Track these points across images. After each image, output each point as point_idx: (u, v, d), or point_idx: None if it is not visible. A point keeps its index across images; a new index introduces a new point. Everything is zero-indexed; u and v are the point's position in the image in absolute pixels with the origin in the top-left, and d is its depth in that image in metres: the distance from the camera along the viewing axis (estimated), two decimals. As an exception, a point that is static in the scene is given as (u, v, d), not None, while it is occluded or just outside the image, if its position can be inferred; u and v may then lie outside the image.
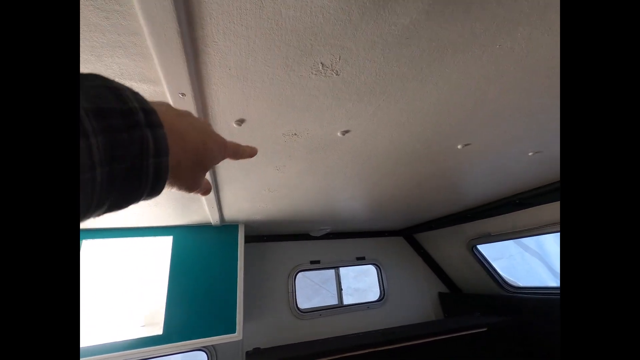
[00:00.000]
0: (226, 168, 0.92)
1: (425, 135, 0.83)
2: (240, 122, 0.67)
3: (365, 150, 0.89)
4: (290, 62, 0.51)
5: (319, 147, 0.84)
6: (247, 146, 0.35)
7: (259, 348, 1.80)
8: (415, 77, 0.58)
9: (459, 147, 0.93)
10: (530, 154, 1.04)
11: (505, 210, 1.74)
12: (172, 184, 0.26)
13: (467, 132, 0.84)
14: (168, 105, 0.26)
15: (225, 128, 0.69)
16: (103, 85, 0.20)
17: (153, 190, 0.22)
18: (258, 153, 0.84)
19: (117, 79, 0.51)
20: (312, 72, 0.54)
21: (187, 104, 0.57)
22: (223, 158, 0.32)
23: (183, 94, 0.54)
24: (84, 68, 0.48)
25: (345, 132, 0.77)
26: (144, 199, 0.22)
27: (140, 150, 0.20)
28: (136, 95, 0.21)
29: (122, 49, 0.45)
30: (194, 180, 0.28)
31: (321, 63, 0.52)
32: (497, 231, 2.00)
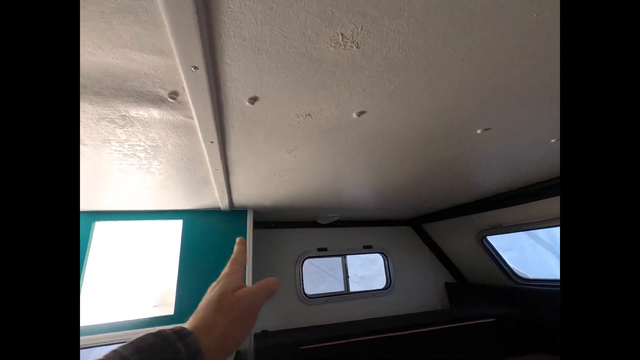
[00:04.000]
0: (238, 150, 0.90)
1: (445, 118, 0.80)
2: (254, 100, 0.65)
3: (380, 134, 0.86)
4: (309, 32, 0.48)
5: (333, 129, 0.81)
6: (269, 279, 0.39)
7: (266, 330, 1.84)
8: (441, 51, 0.54)
9: (479, 131, 0.89)
10: (553, 140, 1.00)
11: (519, 201, 1.70)
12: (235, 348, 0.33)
13: (488, 115, 0.80)
14: (211, 308, 0.33)
15: (238, 107, 0.67)
16: (150, 334, 0.28)
17: None
18: (270, 135, 0.82)
19: (128, 50, 0.49)
20: (330, 44, 0.51)
21: (199, 79, 0.54)
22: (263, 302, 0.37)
23: (195, 67, 0.52)
24: (94, 35, 0.46)
25: (360, 113, 0.74)
26: None
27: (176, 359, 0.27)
28: (173, 328, 0.30)
29: (132, 14, 0.43)
30: (244, 335, 0.34)
31: (341, 34, 0.49)
32: (509, 222, 1.96)
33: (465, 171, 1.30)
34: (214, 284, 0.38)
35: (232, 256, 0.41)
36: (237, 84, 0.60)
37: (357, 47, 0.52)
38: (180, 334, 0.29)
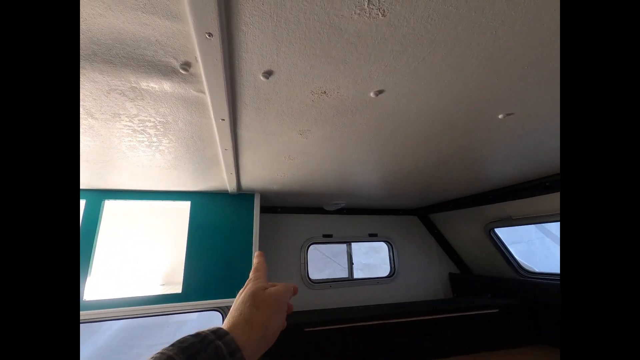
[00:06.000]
0: (248, 129, 0.88)
1: (467, 101, 0.76)
2: (268, 74, 0.62)
3: (396, 116, 0.83)
4: (333, -4, 0.44)
5: (348, 109, 0.78)
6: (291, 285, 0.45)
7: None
8: (474, 22, 0.50)
9: (500, 116, 0.85)
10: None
11: (532, 193, 1.65)
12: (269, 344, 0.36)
13: (513, 99, 0.76)
14: (246, 309, 0.36)
15: (252, 81, 0.64)
16: (189, 335, 0.31)
17: None
18: (283, 114, 0.80)
19: (140, 13, 0.46)
20: (355, 12, 0.47)
21: (213, 48, 0.52)
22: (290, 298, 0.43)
23: (210, 34, 0.49)
24: (105, -4, 0.43)
25: (378, 93, 0.71)
26: None
27: (217, 356, 0.29)
28: (210, 329, 0.32)
29: (145, -29, 0.40)
30: (280, 327, 0.38)
31: (367, 0, 0.45)
32: (519, 215, 1.93)
33: (480, 160, 1.26)
34: (241, 290, 0.41)
35: (254, 266, 0.46)
36: (252, 56, 0.57)
37: (382, 15, 0.48)
38: (218, 333, 0.31)
